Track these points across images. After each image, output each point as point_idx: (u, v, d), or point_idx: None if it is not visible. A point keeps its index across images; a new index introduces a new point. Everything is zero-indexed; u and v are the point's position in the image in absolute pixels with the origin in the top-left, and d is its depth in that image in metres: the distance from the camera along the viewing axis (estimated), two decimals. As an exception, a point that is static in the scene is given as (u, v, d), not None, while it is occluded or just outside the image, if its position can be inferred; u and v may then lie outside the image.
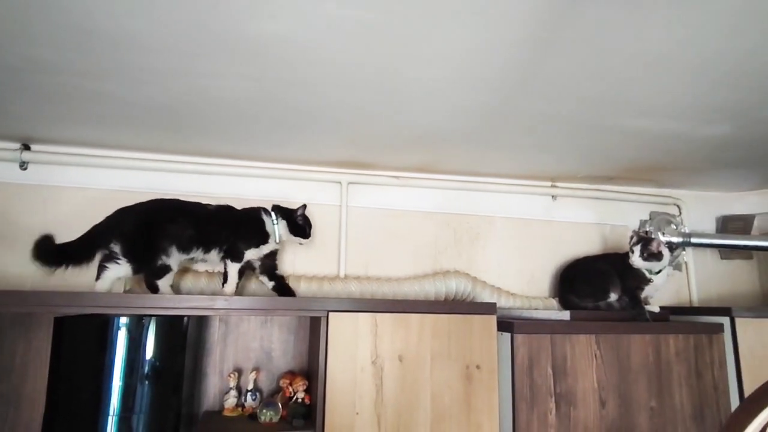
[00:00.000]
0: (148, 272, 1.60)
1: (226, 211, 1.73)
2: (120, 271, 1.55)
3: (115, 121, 1.56)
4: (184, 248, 1.63)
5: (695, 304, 2.33)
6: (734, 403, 1.79)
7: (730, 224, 2.41)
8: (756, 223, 2.41)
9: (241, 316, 1.83)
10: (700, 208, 2.42)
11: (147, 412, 1.44)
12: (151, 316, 1.46)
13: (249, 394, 1.70)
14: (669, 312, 1.95)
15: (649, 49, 1.09)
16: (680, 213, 2.38)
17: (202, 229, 1.65)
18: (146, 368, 1.46)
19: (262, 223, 1.74)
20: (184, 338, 1.62)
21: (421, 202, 2.14)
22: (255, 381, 1.73)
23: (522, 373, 1.59)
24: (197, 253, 1.65)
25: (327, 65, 1.17)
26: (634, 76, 1.22)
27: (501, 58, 1.13)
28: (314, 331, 1.65)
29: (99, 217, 1.63)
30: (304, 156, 1.91)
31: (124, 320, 1.45)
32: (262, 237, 1.73)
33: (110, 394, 1.40)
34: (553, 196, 2.28)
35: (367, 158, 1.94)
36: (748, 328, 1.80)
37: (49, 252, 1.52)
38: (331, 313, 1.50)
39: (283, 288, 1.76)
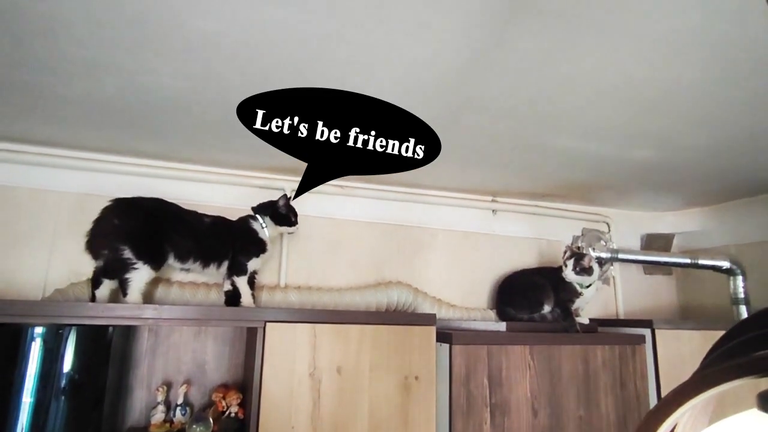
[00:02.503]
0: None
1: (222, 224, 1.70)
2: (143, 276, 1.48)
3: (42, 115, 1.45)
4: (182, 258, 1.59)
5: (621, 316, 2.48)
6: (654, 410, 1.90)
7: (653, 242, 2.59)
8: (675, 241, 2.60)
9: (172, 327, 1.74)
10: (626, 226, 2.59)
11: (62, 429, 1.33)
12: (71, 325, 1.36)
13: (178, 408, 1.62)
14: (597, 324, 2.06)
15: (580, 75, 1.16)
16: (609, 230, 2.52)
17: (202, 242, 1.62)
18: (63, 382, 1.36)
19: (255, 232, 1.72)
20: (107, 350, 1.52)
21: (365, 212, 2.14)
22: (185, 395, 1.65)
23: (459, 383, 1.62)
24: (194, 266, 1.61)
25: (271, 68, 1.15)
26: (567, 99, 1.29)
27: (443, 73, 1.16)
28: (250, 342, 1.60)
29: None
30: (247, 161, 1.86)
31: (39, 330, 1.34)
32: (261, 247, 1.72)
33: (19, 410, 1.28)
34: (493, 211, 2.36)
35: (312, 166, 1.92)
36: (666, 340, 1.93)
37: None
38: (268, 324, 1.46)
39: (235, 297, 1.68)
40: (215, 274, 1.68)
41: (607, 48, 1.04)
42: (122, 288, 1.47)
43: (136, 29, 0.99)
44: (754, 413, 0.33)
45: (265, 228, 1.73)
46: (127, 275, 1.46)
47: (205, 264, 1.63)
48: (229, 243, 1.68)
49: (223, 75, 1.18)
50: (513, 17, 0.93)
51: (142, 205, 1.57)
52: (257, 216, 1.75)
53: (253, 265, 1.70)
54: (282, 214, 1.76)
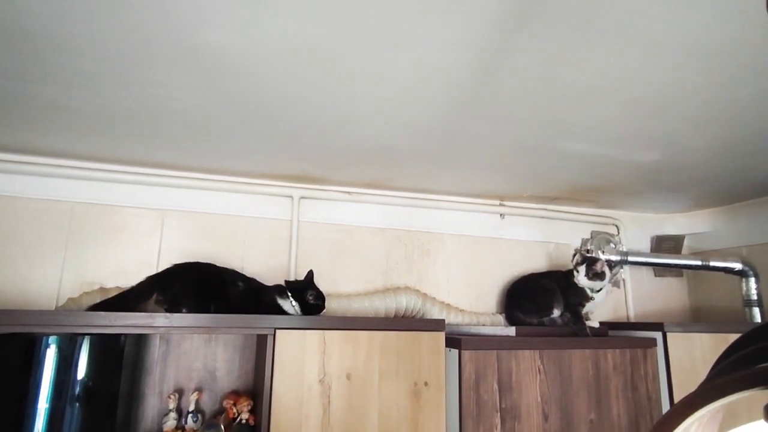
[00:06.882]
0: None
1: (252, 290, 1.71)
2: None
3: (52, 127, 1.47)
4: None
5: (632, 319, 2.46)
6: (666, 414, 1.88)
7: (663, 244, 2.57)
8: (686, 243, 2.58)
9: (183, 335, 1.76)
10: (636, 229, 2.57)
11: (76, 438, 1.35)
12: (84, 335, 1.38)
13: (190, 415, 1.63)
14: (607, 327, 2.04)
15: (586, 79, 1.15)
16: (618, 233, 2.51)
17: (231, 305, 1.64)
18: (77, 390, 1.38)
19: (279, 307, 1.66)
20: (120, 358, 1.54)
21: (373, 218, 2.15)
22: (197, 402, 1.66)
23: (469, 389, 1.61)
24: None
25: (278, 79, 1.16)
26: (572, 103, 1.29)
27: (449, 80, 1.17)
28: (261, 349, 1.61)
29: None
30: (256, 169, 1.88)
31: (53, 339, 1.36)
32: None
33: (35, 417, 1.30)
34: (501, 215, 2.35)
35: (318, 173, 1.93)
36: (677, 342, 1.91)
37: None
38: (278, 331, 1.47)
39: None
40: None
41: (612, 52, 1.04)
42: None
43: (143, 42, 1.01)
44: (762, 425, 0.33)
45: (294, 306, 1.64)
46: None
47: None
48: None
49: (230, 86, 1.20)
50: (520, 25, 0.94)
51: (199, 269, 1.69)
52: (288, 294, 1.67)
53: None
54: (310, 304, 1.66)
